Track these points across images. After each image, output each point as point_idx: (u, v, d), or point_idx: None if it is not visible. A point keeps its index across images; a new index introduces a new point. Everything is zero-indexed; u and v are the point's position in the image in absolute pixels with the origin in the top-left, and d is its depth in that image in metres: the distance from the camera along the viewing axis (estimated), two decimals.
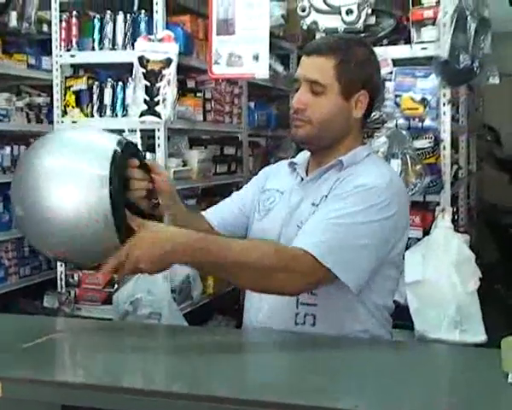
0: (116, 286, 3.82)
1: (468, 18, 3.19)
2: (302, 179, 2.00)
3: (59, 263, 3.96)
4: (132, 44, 3.79)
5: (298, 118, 1.92)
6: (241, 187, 2.24)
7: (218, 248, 1.72)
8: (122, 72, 3.93)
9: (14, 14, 4.01)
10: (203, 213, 2.20)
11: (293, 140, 2.02)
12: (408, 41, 3.36)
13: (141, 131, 3.79)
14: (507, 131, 6.94)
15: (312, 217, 1.84)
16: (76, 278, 3.98)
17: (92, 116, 3.91)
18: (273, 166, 2.19)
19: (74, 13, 3.96)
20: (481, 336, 3.03)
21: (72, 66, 4.16)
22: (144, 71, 3.65)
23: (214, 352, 1.80)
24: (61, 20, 3.96)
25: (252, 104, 5.06)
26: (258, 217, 2.05)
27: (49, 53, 4.07)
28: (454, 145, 4.10)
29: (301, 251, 1.74)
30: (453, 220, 3.42)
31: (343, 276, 1.75)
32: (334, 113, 1.90)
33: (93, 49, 3.91)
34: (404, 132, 3.21)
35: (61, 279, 3.97)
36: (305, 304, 1.89)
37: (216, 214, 2.15)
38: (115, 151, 1.70)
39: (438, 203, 3.28)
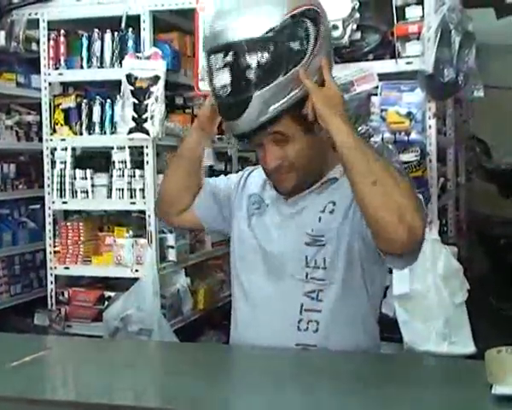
0: (106, 303, 3.83)
1: (453, 32, 3.23)
2: (286, 198, 2.00)
3: (49, 281, 3.97)
4: (120, 62, 3.81)
5: (280, 173, 1.90)
6: None
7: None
8: (110, 89, 3.95)
9: (2, 34, 4.03)
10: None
11: (281, 194, 1.97)
12: (393, 56, 3.39)
13: (129, 148, 3.82)
14: (496, 142, 6.98)
15: None
16: (66, 295, 3.99)
17: (81, 134, 3.92)
18: (254, 174, 2.15)
19: (62, 31, 3.99)
20: (470, 348, 3.05)
21: (62, 84, 4.18)
22: (132, 88, 3.68)
23: (205, 369, 1.80)
24: (49, 39, 3.98)
25: None
26: (246, 220, 2.05)
27: (39, 71, 4.09)
28: (441, 158, 4.13)
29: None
30: (442, 232, 3.45)
31: None
32: (308, 151, 1.88)
33: (81, 67, 3.94)
34: (390, 146, 3.23)
35: (51, 297, 3.98)
36: (310, 310, 1.89)
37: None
38: None
39: (425, 216, 3.30)
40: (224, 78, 1.78)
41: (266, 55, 1.75)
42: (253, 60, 1.76)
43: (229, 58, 1.76)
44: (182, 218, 2.17)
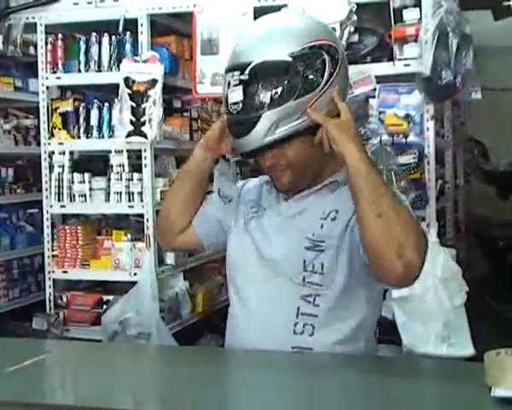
0: (105, 307, 3.83)
1: (450, 34, 3.24)
2: (286, 199, 2.01)
3: (47, 285, 3.97)
4: (118, 66, 3.81)
5: (276, 169, 1.93)
6: None
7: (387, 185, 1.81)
8: (108, 93, 3.94)
9: None
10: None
11: (280, 191, 2.01)
12: (391, 58, 3.40)
13: (127, 151, 3.82)
14: (494, 144, 6.99)
15: None
16: (64, 299, 3.98)
17: (79, 137, 3.92)
18: (249, 183, 2.17)
19: (60, 35, 3.99)
20: (469, 350, 3.05)
21: (60, 87, 4.18)
22: (130, 92, 3.67)
23: (204, 372, 1.79)
24: (46, 43, 3.98)
25: None
26: (243, 224, 2.05)
27: (36, 75, 4.08)
28: (439, 160, 4.14)
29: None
30: (440, 235, 3.45)
31: None
32: (307, 151, 1.91)
33: (79, 70, 3.93)
34: (388, 148, 3.24)
35: (49, 301, 3.97)
36: (306, 314, 1.89)
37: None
38: None
39: (423, 218, 3.31)
40: (236, 95, 1.85)
41: (280, 78, 1.83)
42: (266, 80, 1.83)
43: (244, 76, 1.84)
44: (180, 238, 2.16)
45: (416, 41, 3.33)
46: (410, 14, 3.37)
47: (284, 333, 1.90)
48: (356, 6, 3.34)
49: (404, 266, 1.70)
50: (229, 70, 1.88)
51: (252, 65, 1.83)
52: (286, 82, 1.82)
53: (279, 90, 1.83)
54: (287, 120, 1.84)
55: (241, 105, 1.86)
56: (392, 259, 1.71)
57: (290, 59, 1.82)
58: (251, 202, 2.07)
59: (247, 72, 1.84)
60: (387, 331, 2.15)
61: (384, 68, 3.38)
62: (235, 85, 1.85)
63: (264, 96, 1.83)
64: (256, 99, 1.84)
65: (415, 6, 3.37)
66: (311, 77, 1.83)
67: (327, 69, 1.85)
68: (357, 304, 1.92)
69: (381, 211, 1.73)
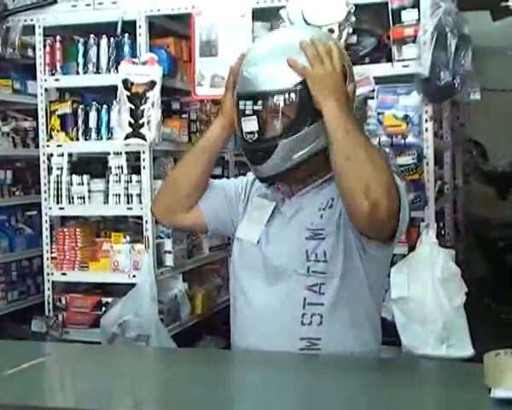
0: (103, 309, 3.83)
1: (448, 35, 3.24)
2: (289, 194, 2.03)
3: (46, 287, 3.96)
4: (116, 68, 3.80)
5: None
6: None
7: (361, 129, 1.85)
8: (106, 95, 3.94)
9: None
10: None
11: (279, 185, 2.07)
12: (389, 59, 3.40)
13: (126, 153, 3.81)
14: (492, 145, 7.00)
15: None
16: (63, 301, 3.98)
17: (77, 139, 3.92)
18: (247, 178, 2.19)
19: (58, 37, 3.98)
20: (468, 351, 3.05)
21: (58, 90, 4.18)
22: (128, 94, 3.67)
23: (204, 375, 1.80)
24: (44, 45, 3.97)
25: None
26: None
27: (35, 77, 4.08)
28: (438, 161, 4.14)
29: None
30: (439, 235, 3.45)
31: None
32: (316, 163, 1.95)
33: (77, 72, 3.93)
34: (387, 149, 3.24)
35: (48, 303, 3.97)
36: (313, 304, 1.92)
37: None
38: None
39: (422, 219, 3.31)
40: (251, 125, 1.89)
41: (294, 106, 1.86)
42: (281, 110, 1.86)
43: (258, 107, 1.87)
44: (185, 216, 2.15)
45: (414, 42, 3.33)
46: (408, 15, 3.36)
47: (293, 325, 1.92)
48: (354, 7, 3.34)
49: (371, 205, 1.75)
50: (242, 98, 1.90)
51: (265, 95, 1.85)
52: (299, 110, 1.85)
53: (293, 118, 1.86)
54: (302, 145, 1.87)
55: (256, 135, 1.89)
56: (359, 198, 1.76)
57: (302, 86, 1.84)
58: (257, 200, 2.10)
59: (260, 102, 1.87)
60: (387, 332, 2.15)
61: (383, 69, 3.39)
62: (249, 115, 1.87)
63: (279, 126, 1.87)
64: (271, 129, 1.88)
65: (413, 7, 3.37)
66: None
67: None
68: (361, 290, 1.95)
69: (350, 153, 1.77)
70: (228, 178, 4.80)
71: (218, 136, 2.10)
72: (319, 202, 1.97)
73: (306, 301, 1.92)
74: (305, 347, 1.92)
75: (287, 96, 1.85)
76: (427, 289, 3.08)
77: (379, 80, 3.38)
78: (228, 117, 2.06)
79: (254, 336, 1.98)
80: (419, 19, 3.34)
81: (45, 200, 3.96)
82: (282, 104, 1.86)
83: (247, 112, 1.88)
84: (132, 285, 3.70)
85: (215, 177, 4.79)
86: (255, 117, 1.87)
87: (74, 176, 3.91)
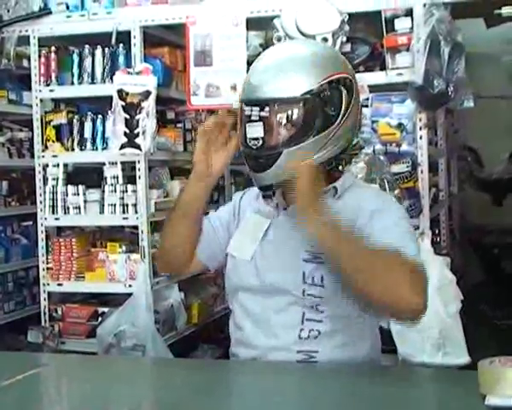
0: (100, 319, 3.82)
1: (442, 43, 3.25)
2: (285, 208, 2.02)
3: (42, 297, 3.96)
4: (111, 78, 3.81)
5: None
6: None
7: (359, 237, 1.78)
8: (101, 105, 3.95)
9: None
10: None
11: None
12: (383, 67, 3.42)
13: (121, 163, 3.82)
14: (487, 151, 7.01)
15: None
16: (59, 312, 3.97)
17: (73, 150, 3.92)
18: (247, 192, 2.18)
19: (53, 48, 3.98)
20: (464, 359, 3.06)
21: (53, 100, 4.19)
22: (123, 104, 3.68)
23: (200, 385, 1.79)
24: (39, 56, 3.98)
25: None
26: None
27: (30, 88, 4.08)
28: (433, 168, 4.15)
29: (420, 267, 1.77)
30: (434, 243, 3.46)
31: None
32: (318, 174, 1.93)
33: (72, 83, 3.93)
34: (381, 158, 3.25)
35: (44, 314, 3.96)
36: (311, 320, 1.91)
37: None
38: None
39: (417, 227, 3.32)
40: (256, 131, 1.88)
41: (300, 115, 1.87)
42: (287, 118, 1.87)
43: (265, 113, 1.87)
44: (187, 266, 2.15)
45: (408, 50, 3.35)
46: (401, 24, 3.39)
47: (290, 339, 1.92)
48: (348, 16, 3.36)
49: (410, 312, 1.74)
50: (248, 103, 1.89)
51: (272, 102, 1.86)
52: (305, 120, 1.86)
53: (299, 127, 1.86)
54: (305, 155, 1.85)
55: (261, 141, 1.88)
56: (393, 313, 1.79)
57: (309, 96, 1.85)
58: (253, 215, 2.08)
59: (266, 109, 1.86)
60: (383, 340, 2.15)
61: (376, 78, 3.40)
62: (255, 121, 1.87)
63: (284, 134, 1.87)
64: (275, 137, 1.88)
65: (406, 15, 3.39)
66: (329, 112, 1.87)
67: (344, 102, 1.89)
68: (360, 312, 1.93)
69: (357, 269, 1.73)
70: (223, 187, 4.85)
71: (196, 196, 2.02)
72: None
73: (305, 317, 1.91)
74: (302, 359, 1.91)
75: (294, 104, 1.86)
76: None
77: (373, 88, 3.39)
78: (199, 164, 2.00)
79: (252, 347, 1.97)
80: (412, 27, 3.36)
81: (41, 210, 3.96)
82: (288, 113, 1.86)
83: (252, 117, 1.87)
84: (128, 295, 3.70)
85: None
86: (261, 123, 1.87)
87: (70, 186, 3.90)
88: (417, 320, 1.79)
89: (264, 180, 1.91)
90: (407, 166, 3.28)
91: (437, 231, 4.34)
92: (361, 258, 1.74)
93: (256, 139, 1.88)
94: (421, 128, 3.34)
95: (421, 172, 3.34)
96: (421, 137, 3.34)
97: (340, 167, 1.98)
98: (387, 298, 1.73)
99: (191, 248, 2.10)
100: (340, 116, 1.87)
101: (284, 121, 1.87)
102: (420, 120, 3.34)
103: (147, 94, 3.68)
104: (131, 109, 3.67)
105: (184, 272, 2.22)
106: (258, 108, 1.87)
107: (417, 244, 1.90)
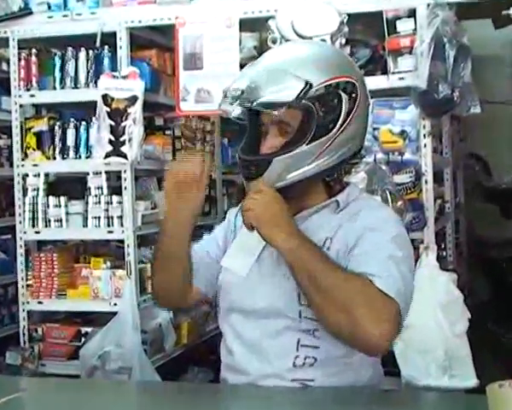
0: (83, 340, 3.81)
1: (447, 46, 3.26)
2: None
3: (22, 316, 3.95)
4: (95, 82, 3.82)
5: None
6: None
7: (323, 258, 1.77)
8: (85, 111, 3.95)
9: None
10: None
11: None
12: (385, 71, 3.43)
13: (106, 173, 3.82)
14: (496, 159, 7.01)
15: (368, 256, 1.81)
16: (40, 332, 3.96)
17: (54, 159, 3.92)
18: (237, 210, 2.16)
19: (34, 50, 3.99)
20: (472, 381, 3.05)
21: (34, 106, 4.18)
22: (108, 110, 3.68)
23: None
24: (19, 59, 3.98)
25: (225, 140, 5.10)
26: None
27: (9, 93, 4.08)
28: (438, 178, 4.16)
29: (388, 297, 1.73)
30: (440, 258, 3.46)
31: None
32: (315, 186, 1.94)
33: (54, 88, 3.94)
34: (383, 167, 3.26)
35: (23, 334, 3.95)
36: (307, 346, 1.88)
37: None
38: None
39: (422, 241, 3.32)
40: (248, 136, 1.90)
41: (292, 121, 1.85)
42: (278, 123, 1.86)
43: (256, 118, 1.88)
44: (184, 297, 2.11)
45: (410, 53, 3.36)
46: (404, 25, 3.40)
47: (284, 366, 1.89)
48: (347, 17, 3.37)
49: (366, 344, 1.72)
50: (240, 106, 1.87)
51: (262, 106, 1.82)
52: (297, 126, 1.84)
53: (290, 134, 1.85)
54: (299, 164, 1.84)
55: (245, 147, 1.90)
56: (349, 341, 1.77)
57: (302, 101, 1.81)
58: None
59: (258, 113, 1.87)
60: (385, 362, 2.14)
61: (378, 82, 3.39)
62: (247, 126, 1.89)
63: (275, 141, 1.86)
64: (267, 143, 1.87)
65: (409, 16, 3.40)
66: (325, 119, 1.83)
67: (343, 109, 1.85)
68: None
69: (322, 301, 1.74)
70: (215, 198, 4.84)
71: (176, 240, 2.00)
72: (316, 237, 1.89)
73: (300, 343, 1.88)
74: (297, 388, 1.90)
75: (285, 108, 1.82)
76: (428, 316, 3.07)
77: (374, 94, 3.35)
78: (174, 232, 1.99)
79: (242, 373, 1.95)
80: (415, 29, 3.37)
81: (20, 223, 3.95)
82: (279, 117, 1.84)
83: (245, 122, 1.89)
84: (113, 314, 3.69)
85: None
86: (253, 129, 1.89)
87: (51, 197, 3.90)
88: (375, 354, 1.82)
89: (255, 189, 1.88)
90: (410, 177, 3.29)
91: (442, 245, 4.35)
92: (322, 278, 1.74)
93: (247, 145, 1.90)
94: (425, 136, 3.34)
95: (426, 182, 3.34)
96: (425, 146, 3.34)
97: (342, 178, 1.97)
98: (343, 323, 1.72)
99: (185, 281, 2.06)
100: (339, 124, 1.84)
101: (274, 127, 1.86)
102: (424, 127, 3.34)
103: (133, 99, 3.68)
104: (117, 116, 3.68)
105: (184, 305, 2.17)
106: (250, 113, 1.89)
107: (407, 270, 1.81)
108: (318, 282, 1.74)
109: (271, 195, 1.82)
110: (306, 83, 1.81)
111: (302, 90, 1.80)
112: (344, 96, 1.85)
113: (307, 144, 1.83)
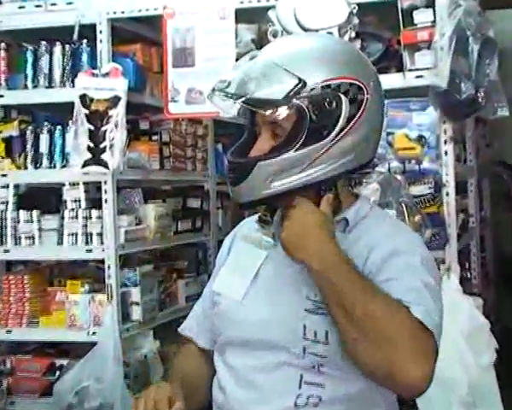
0: (58, 373, 3.81)
1: (470, 39, 3.28)
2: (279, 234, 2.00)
3: None
4: (72, 81, 3.83)
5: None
6: (209, 248, 2.24)
7: (359, 280, 1.74)
8: (61, 114, 3.96)
9: None
10: (180, 331, 2.19)
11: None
12: (400, 68, 3.44)
13: (84, 184, 3.83)
14: None
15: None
16: (9, 365, 3.96)
17: (26, 168, 3.92)
18: (234, 231, 2.16)
19: (3, 45, 4.00)
20: None
21: (3, 107, 4.19)
22: (87, 112, 3.69)
23: None
24: None
25: (219, 146, 5.11)
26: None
27: None
28: (461, 189, 4.16)
29: (427, 330, 1.71)
30: (463, 280, 3.47)
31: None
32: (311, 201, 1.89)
33: (26, 87, 3.95)
34: (398, 177, 3.26)
35: None
36: (311, 384, 1.84)
37: (200, 334, 2.14)
38: None
39: (442, 260, 3.32)
40: (243, 137, 1.92)
41: (285, 122, 1.83)
42: (270, 125, 1.85)
43: (251, 118, 1.90)
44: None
45: (429, 48, 3.37)
46: (421, 16, 3.41)
47: (283, 407, 1.85)
48: (357, 7, 3.38)
49: (404, 386, 1.69)
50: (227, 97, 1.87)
51: (247, 102, 1.82)
52: (285, 128, 1.83)
53: (279, 137, 1.85)
54: (286, 173, 1.82)
55: (236, 149, 1.91)
56: (384, 383, 1.74)
57: (294, 100, 1.80)
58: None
59: (245, 110, 1.89)
60: (401, 400, 2.14)
61: (392, 81, 3.40)
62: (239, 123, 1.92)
63: (265, 143, 1.86)
64: (255, 145, 1.87)
65: (427, 6, 3.41)
66: (320, 124, 1.81)
67: (343, 114, 1.82)
68: None
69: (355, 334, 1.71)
70: (208, 211, 4.85)
71: None
72: None
73: (303, 380, 1.85)
74: None
75: (272, 108, 1.81)
76: (449, 346, 3.07)
77: (388, 94, 3.37)
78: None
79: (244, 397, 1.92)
80: (434, 20, 3.38)
81: None
82: (269, 119, 1.84)
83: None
84: (92, 344, 3.68)
85: (192, 209, 4.77)
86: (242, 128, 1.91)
87: (22, 211, 3.91)
88: (414, 396, 1.78)
89: (238, 196, 1.89)
90: (429, 188, 3.29)
91: (466, 266, 4.35)
92: (357, 306, 1.70)
93: (234, 146, 1.92)
94: (446, 142, 3.35)
95: (447, 194, 3.35)
96: (446, 153, 3.35)
97: (351, 189, 1.97)
98: (381, 362, 1.69)
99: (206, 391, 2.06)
100: (337, 130, 1.82)
101: (268, 130, 1.86)
102: (444, 131, 3.35)
103: (115, 100, 3.69)
104: (97, 119, 3.69)
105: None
106: (242, 113, 1.91)
107: (439, 298, 1.80)
108: (352, 311, 1.71)
109: (301, 206, 1.81)
110: (300, 80, 1.80)
111: (293, 87, 1.79)
112: (344, 100, 1.82)
113: (296, 150, 1.81)
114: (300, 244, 1.77)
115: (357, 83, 1.85)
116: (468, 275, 4.36)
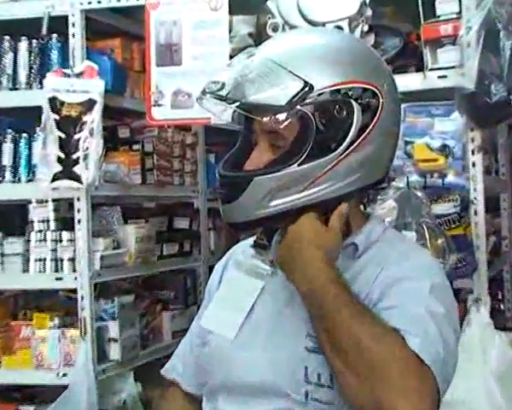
0: None
1: (501, 34, 3.27)
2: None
3: None
4: (40, 82, 3.84)
5: None
6: (199, 275, 2.24)
7: (345, 311, 1.73)
8: (27, 120, 3.97)
9: None
10: (163, 372, 2.20)
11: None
12: (420, 67, 3.44)
13: (54, 201, 3.82)
14: None
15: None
16: None
17: None
18: (226, 257, 2.16)
19: None
20: None
21: None
22: (57, 117, 3.70)
23: None
24: None
25: (211, 157, 5.11)
26: None
27: None
28: (492, 207, 4.16)
29: (423, 364, 1.70)
30: (495, 312, 3.46)
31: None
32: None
33: None
34: (418, 194, 3.25)
35: None
36: (317, 401, 1.83)
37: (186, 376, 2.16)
38: None
39: (470, 290, 3.31)
40: (237, 147, 1.94)
41: (287, 132, 1.83)
42: (269, 134, 1.85)
43: (247, 125, 1.91)
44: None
45: (454, 44, 3.37)
46: (445, 7, 3.41)
47: None
48: None
49: None
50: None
51: (243, 108, 1.83)
52: (289, 140, 1.83)
53: (280, 149, 1.84)
54: (287, 190, 1.82)
55: (229, 162, 1.90)
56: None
57: (296, 107, 1.79)
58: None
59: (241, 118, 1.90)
60: None
61: (411, 81, 3.41)
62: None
63: (263, 155, 1.85)
64: (251, 158, 1.87)
65: None
66: (327, 135, 1.81)
67: (354, 124, 1.82)
68: None
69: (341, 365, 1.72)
70: (198, 232, 4.85)
71: None
72: None
73: (310, 396, 1.83)
74: None
75: (273, 115, 1.81)
76: (478, 388, 3.07)
77: (405, 97, 3.39)
78: None
79: None
80: (460, 12, 3.38)
81: None
82: (269, 128, 1.83)
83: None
84: (63, 388, 3.68)
85: (179, 230, 4.77)
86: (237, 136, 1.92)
87: None
88: None
89: (230, 215, 1.87)
90: (455, 206, 3.29)
91: (499, 296, 4.34)
92: (342, 334, 1.71)
93: (232, 158, 1.92)
94: (473, 151, 3.34)
95: (475, 213, 3.33)
96: (474, 164, 3.34)
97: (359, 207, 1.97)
98: (365, 401, 1.70)
99: None
100: (347, 142, 1.82)
101: (266, 140, 1.86)
102: (472, 140, 3.34)
103: (90, 104, 3.70)
104: (69, 126, 3.70)
105: None
106: (237, 119, 1.92)
107: (449, 330, 1.79)
108: (338, 339, 1.71)
109: (303, 221, 1.82)
110: (306, 84, 1.79)
111: (298, 92, 1.78)
112: (356, 107, 1.82)
113: (299, 165, 1.80)
114: (290, 261, 1.79)
115: (372, 88, 1.85)
116: (501, 306, 4.35)
